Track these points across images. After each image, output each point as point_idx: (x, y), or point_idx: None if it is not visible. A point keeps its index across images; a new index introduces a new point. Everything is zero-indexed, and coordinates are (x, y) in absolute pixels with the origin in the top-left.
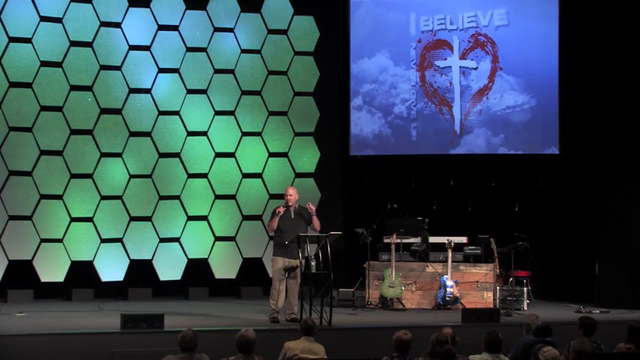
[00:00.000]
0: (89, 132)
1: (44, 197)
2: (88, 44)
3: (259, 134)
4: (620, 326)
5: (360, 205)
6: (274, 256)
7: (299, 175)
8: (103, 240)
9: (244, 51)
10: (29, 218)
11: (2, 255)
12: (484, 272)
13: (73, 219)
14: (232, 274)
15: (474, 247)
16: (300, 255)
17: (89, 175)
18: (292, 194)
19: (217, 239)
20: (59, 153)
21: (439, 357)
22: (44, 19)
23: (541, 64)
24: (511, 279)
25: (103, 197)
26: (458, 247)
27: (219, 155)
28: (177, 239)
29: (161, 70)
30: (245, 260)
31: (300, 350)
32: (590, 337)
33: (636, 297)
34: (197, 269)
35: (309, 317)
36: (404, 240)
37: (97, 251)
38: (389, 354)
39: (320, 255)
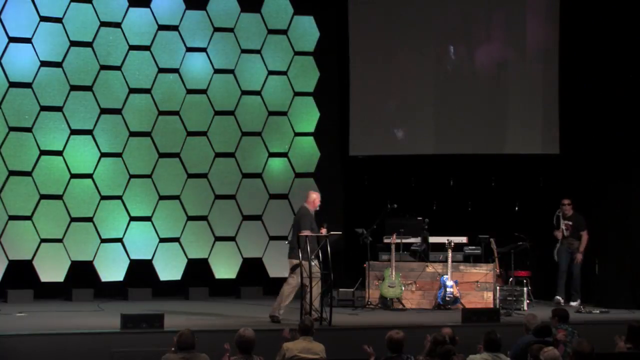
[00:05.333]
0: (89, 132)
1: (44, 197)
2: (88, 44)
3: (258, 134)
4: (620, 326)
5: (360, 205)
6: (303, 260)
7: (299, 175)
8: (103, 240)
9: (243, 51)
10: (29, 218)
11: (2, 255)
12: (484, 272)
13: (73, 219)
14: (232, 274)
15: (474, 247)
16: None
17: (89, 175)
18: None
19: (217, 239)
20: (59, 153)
21: (439, 357)
22: (44, 19)
23: (541, 64)
24: (511, 279)
25: (103, 197)
26: (458, 247)
27: (218, 155)
28: (177, 239)
29: (161, 70)
30: (245, 260)
31: (299, 350)
32: (565, 324)
33: (636, 297)
34: (197, 269)
35: (307, 316)
36: (404, 240)
37: (97, 251)
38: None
39: (320, 255)
